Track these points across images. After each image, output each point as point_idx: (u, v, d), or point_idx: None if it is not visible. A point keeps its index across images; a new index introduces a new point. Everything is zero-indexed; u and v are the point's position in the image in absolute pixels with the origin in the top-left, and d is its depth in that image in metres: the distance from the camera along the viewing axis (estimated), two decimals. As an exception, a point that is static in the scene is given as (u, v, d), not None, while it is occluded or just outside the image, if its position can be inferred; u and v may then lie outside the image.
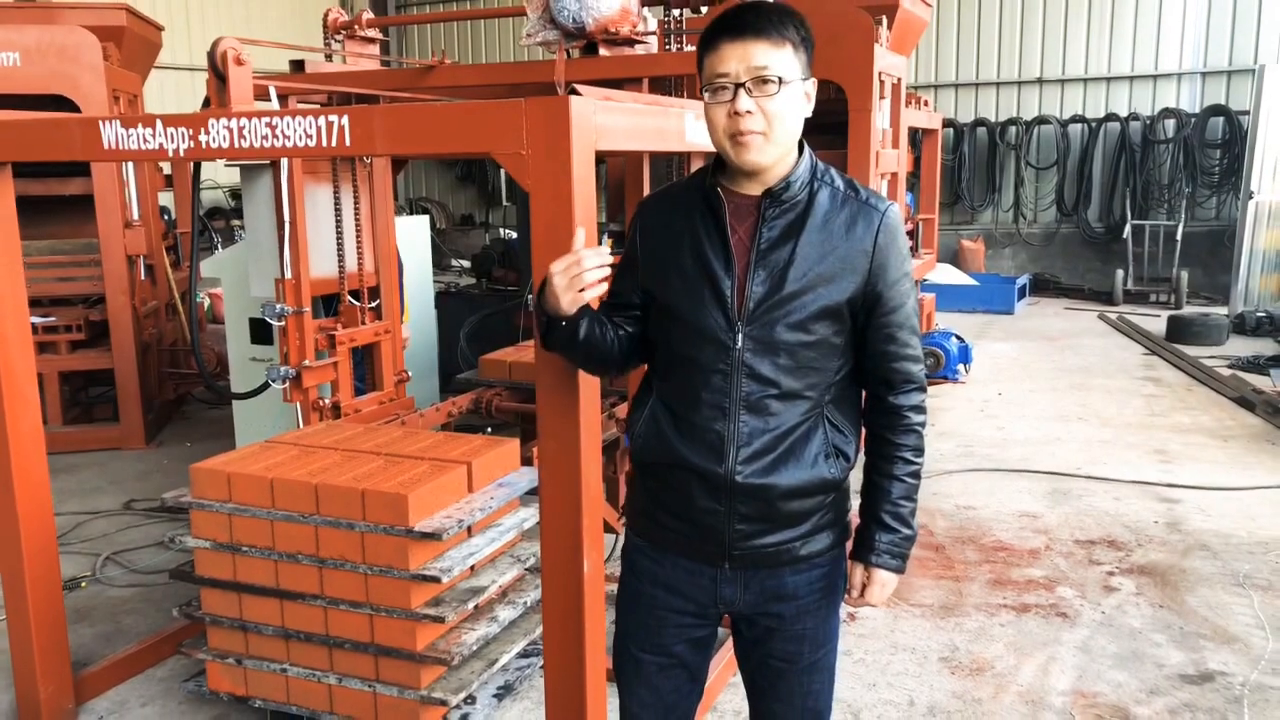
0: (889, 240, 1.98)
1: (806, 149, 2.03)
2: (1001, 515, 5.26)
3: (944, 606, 4.18)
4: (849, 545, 2.16)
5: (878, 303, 1.99)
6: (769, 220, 1.97)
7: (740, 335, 1.96)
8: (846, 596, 2.15)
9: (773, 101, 1.89)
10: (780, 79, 1.88)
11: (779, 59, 1.88)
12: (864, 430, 2.13)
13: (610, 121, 2.46)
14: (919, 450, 2.08)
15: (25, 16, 7.46)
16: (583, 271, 1.94)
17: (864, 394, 2.12)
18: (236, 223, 13.25)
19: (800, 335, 1.96)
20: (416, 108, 2.53)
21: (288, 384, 3.87)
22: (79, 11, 7.57)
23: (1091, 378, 8.51)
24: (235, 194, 13.81)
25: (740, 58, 1.88)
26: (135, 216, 6.83)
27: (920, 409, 2.07)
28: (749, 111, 1.88)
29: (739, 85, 1.88)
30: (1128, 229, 12.97)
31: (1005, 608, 4.17)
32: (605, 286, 2.02)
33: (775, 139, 1.92)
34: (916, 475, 2.09)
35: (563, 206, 2.31)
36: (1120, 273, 12.67)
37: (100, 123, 2.78)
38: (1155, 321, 10.90)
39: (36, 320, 6.29)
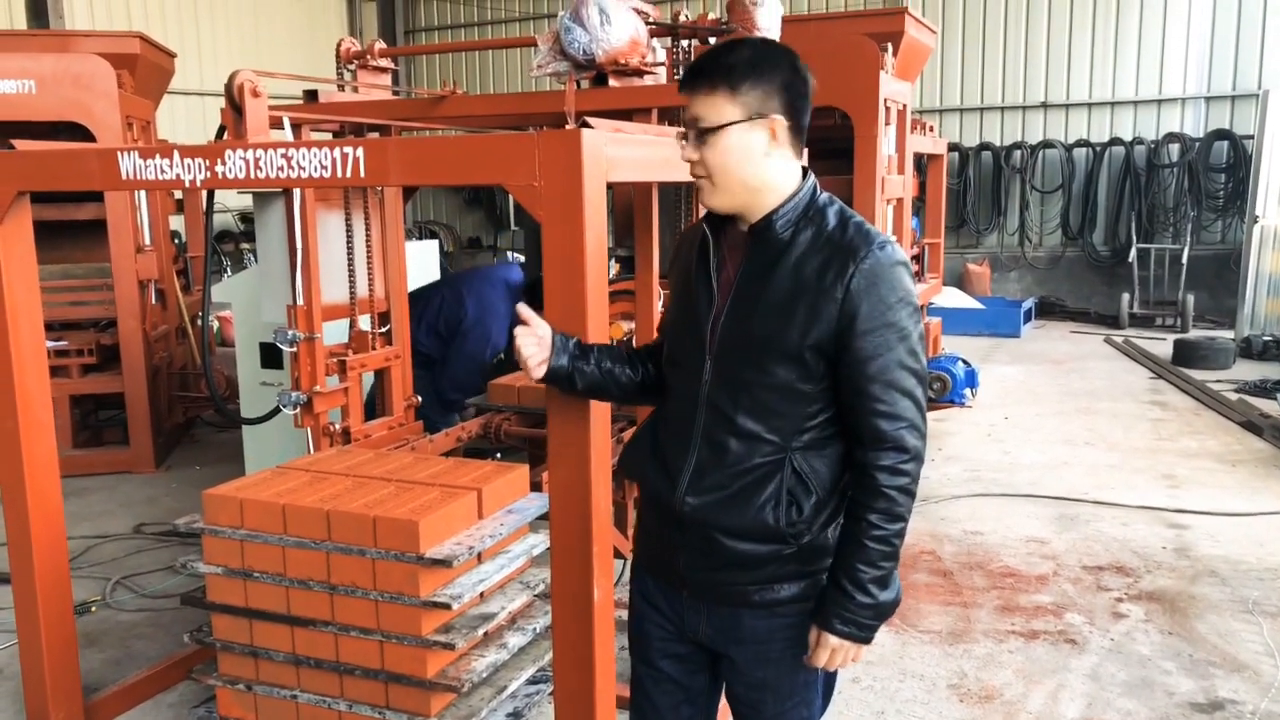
0: (865, 287, 1.87)
1: (808, 186, 2.00)
2: (1009, 540, 5.25)
3: (952, 633, 4.18)
4: None
5: (844, 353, 1.90)
6: (751, 257, 2.01)
7: (708, 369, 2.01)
8: (806, 657, 2.04)
9: (709, 150, 1.95)
10: (708, 127, 1.94)
11: (709, 107, 1.94)
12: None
13: (621, 153, 2.50)
14: (889, 516, 1.91)
15: (41, 45, 7.58)
16: (518, 352, 2.14)
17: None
18: (246, 246, 13.37)
19: (760, 375, 1.96)
20: (430, 140, 2.56)
21: (299, 409, 3.90)
22: (94, 39, 7.68)
23: (1098, 401, 8.51)
24: (245, 218, 13.92)
25: (688, 108, 1.99)
26: (147, 241, 6.89)
27: (895, 471, 1.90)
28: (690, 159, 1.98)
29: (683, 135, 2.00)
30: (1133, 252, 13.00)
31: (1014, 634, 4.17)
32: (545, 366, 2.14)
33: (721, 184, 1.97)
34: (885, 541, 1.92)
35: (575, 238, 2.34)
36: (1126, 296, 12.68)
37: (119, 153, 2.82)
38: (1161, 345, 10.91)
39: (49, 344, 6.33)
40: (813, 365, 1.93)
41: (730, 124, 1.92)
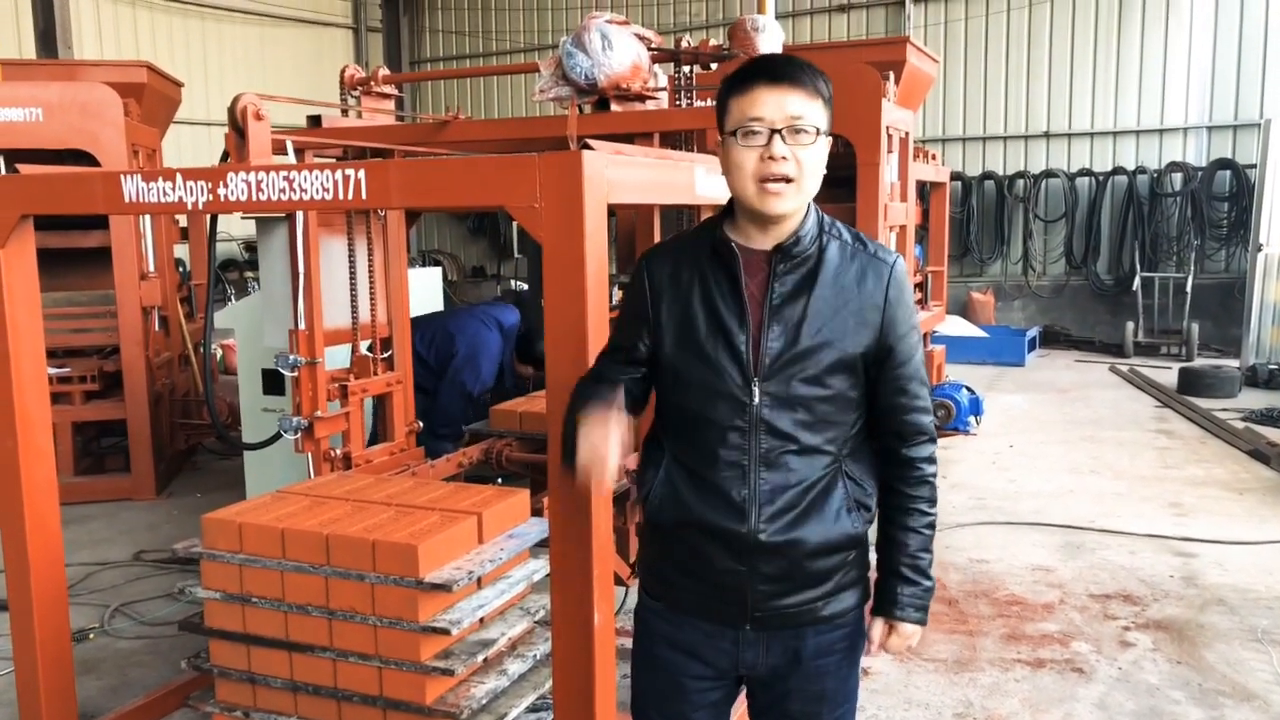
0: (899, 293, 2.00)
1: (813, 205, 2.03)
2: (1015, 569, 5.21)
3: (958, 661, 4.13)
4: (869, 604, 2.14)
5: (889, 355, 2.00)
6: (780, 275, 1.97)
7: (757, 391, 1.94)
8: (866, 650, 2.12)
9: (806, 151, 1.90)
10: (817, 129, 1.91)
11: (814, 110, 1.91)
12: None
13: (622, 175, 2.49)
14: (932, 501, 2.08)
15: (50, 73, 7.64)
16: (595, 455, 1.88)
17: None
18: (250, 275, 13.41)
19: (817, 389, 1.95)
20: (431, 162, 2.57)
21: (299, 434, 3.88)
22: (102, 69, 7.76)
23: (1103, 430, 8.47)
24: (249, 246, 13.98)
25: (777, 105, 1.89)
26: (151, 268, 6.91)
27: (932, 460, 2.07)
28: (784, 157, 1.88)
29: (775, 131, 1.88)
30: (1137, 281, 13.00)
31: (1020, 663, 4.12)
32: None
33: (803, 188, 1.93)
34: (932, 526, 2.09)
35: (576, 259, 2.34)
36: (1130, 325, 12.67)
37: (122, 177, 2.83)
38: (1166, 374, 10.88)
39: (51, 371, 6.32)
40: (860, 372, 2.00)
41: (826, 132, 1.94)
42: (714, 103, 2.10)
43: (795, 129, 1.89)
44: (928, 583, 2.08)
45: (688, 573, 2.06)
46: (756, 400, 1.94)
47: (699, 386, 1.99)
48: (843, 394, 1.98)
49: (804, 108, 1.89)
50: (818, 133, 1.90)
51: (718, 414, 1.97)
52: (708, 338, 1.98)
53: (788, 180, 1.90)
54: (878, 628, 2.10)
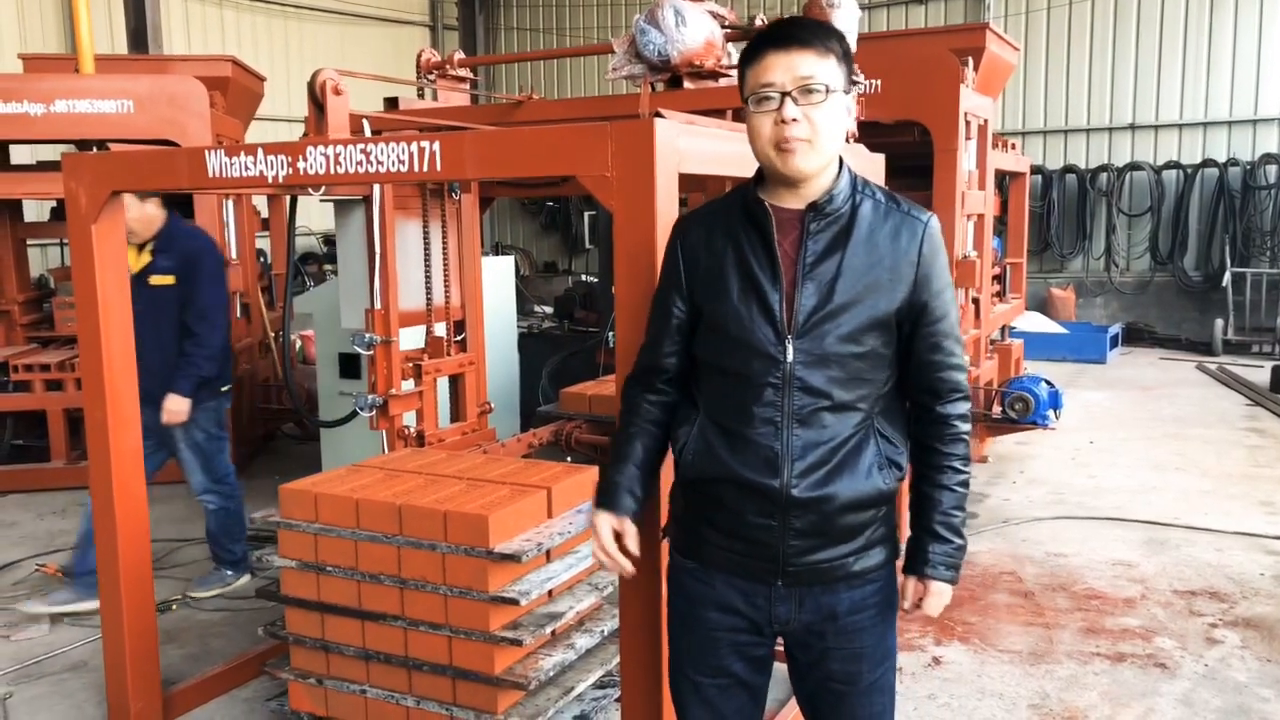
0: (933, 250, 2.01)
1: (845, 162, 2.05)
2: (1094, 563, 5.07)
3: (1033, 653, 4.03)
4: (899, 560, 2.13)
5: (924, 312, 2.00)
6: (813, 233, 1.98)
7: (790, 348, 1.96)
8: (901, 610, 2.12)
9: (818, 110, 1.92)
10: (826, 87, 1.91)
11: (824, 68, 1.92)
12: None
13: (693, 145, 2.48)
14: (967, 459, 2.08)
15: (140, 67, 7.90)
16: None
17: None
18: (329, 268, 13.68)
19: (851, 347, 1.96)
20: (505, 132, 2.59)
21: (374, 412, 3.95)
22: (188, 63, 7.98)
23: (1189, 428, 8.20)
24: (328, 240, 14.28)
25: (786, 68, 1.92)
26: (233, 256, 7.09)
27: (966, 418, 2.08)
28: (795, 119, 1.91)
29: (785, 94, 1.91)
30: (1227, 277, 12.55)
31: (1099, 656, 4.01)
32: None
33: (820, 147, 1.94)
34: (966, 484, 2.08)
35: (647, 227, 2.34)
36: (1220, 322, 12.24)
37: (206, 152, 2.91)
38: (1258, 372, 10.48)
39: (139, 354, 6.54)
40: (893, 329, 2.00)
41: (841, 89, 1.95)
42: None
43: (806, 89, 1.91)
44: (959, 541, 2.07)
45: (720, 529, 2.08)
46: (790, 358, 1.96)
47: (734, 344, 2.01)
48: (876, 351, 1.99)
49: (813, 67, 1.91)
50: (828, 90, 1.91)
51: (752, 371, 1.99)
52: (742, 296, 2.00)
53: (803, 141, 1.92)
54: (910, 586, 2.10)
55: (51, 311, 7.42)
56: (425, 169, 2.60)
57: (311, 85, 3.20)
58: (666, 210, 2.35)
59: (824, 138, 1.93)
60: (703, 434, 2.06)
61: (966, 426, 2.07)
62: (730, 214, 2.06)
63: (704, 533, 2.11)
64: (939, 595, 2.08)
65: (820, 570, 2.02)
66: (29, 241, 7.79)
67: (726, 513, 2.05)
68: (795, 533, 1.99)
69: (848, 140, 2.33)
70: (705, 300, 2.06)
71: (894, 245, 1.98)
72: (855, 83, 2.03)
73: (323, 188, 3.58)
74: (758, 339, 1.97)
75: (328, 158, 2.73)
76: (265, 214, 8.68)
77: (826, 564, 2.02)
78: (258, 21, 15.21)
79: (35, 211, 8.88)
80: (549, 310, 14.75)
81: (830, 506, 1.97)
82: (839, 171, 2.02)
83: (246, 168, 2.85)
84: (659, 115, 2.47)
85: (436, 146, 2.57)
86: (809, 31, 1.94)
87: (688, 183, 2.41)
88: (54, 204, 7.91)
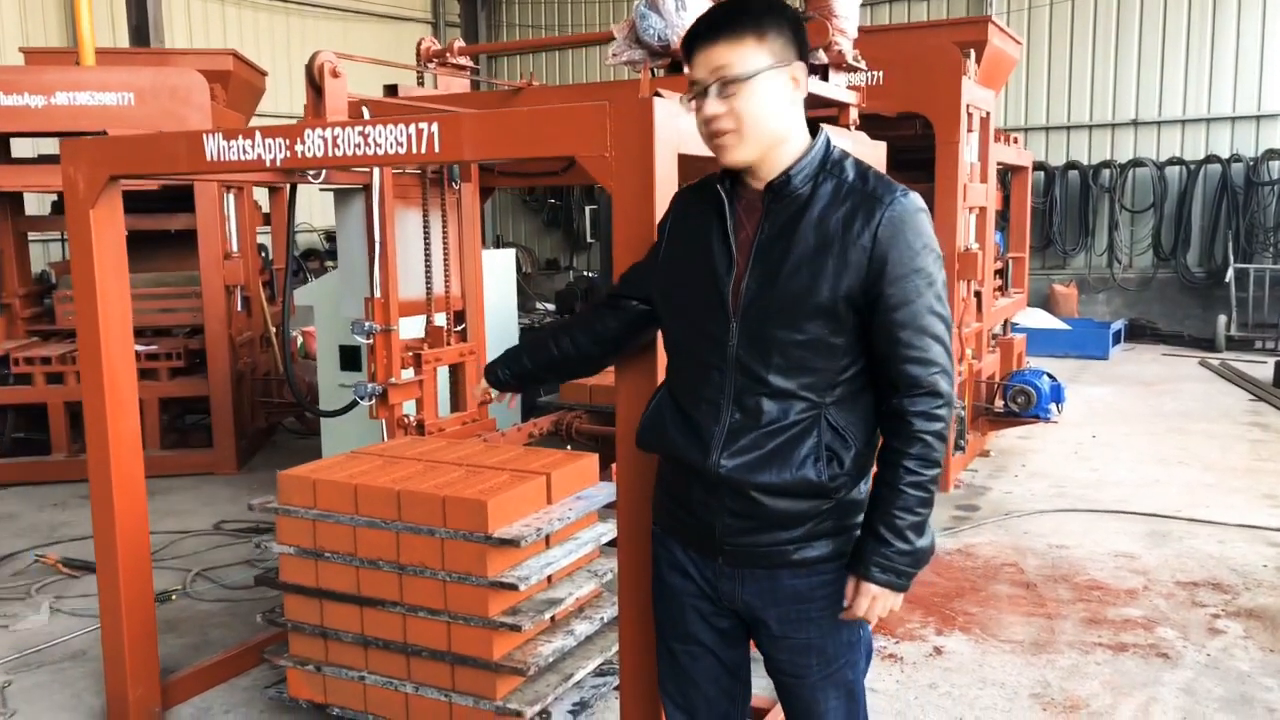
0: (893, 233, 1.87)
1: (822, 139, 1.99)
2: (1096, 555, 5.05)
3: (1035, 643, 4.02)
4: None
5: (878, 301, 1.89)
6: (770, 215, 1.96)
7: (734, 331, 1.95)
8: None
9: (740, 99, 1.89)
10: (739, 77, 1.88)
11: (738, 56, 1.89)
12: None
13: (692, 124, 2.46)
14: (925, 461, 1.92)
15: (141, 60, 7.88)
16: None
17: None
18: (330, 264, 13.68)
19: (791, 334, 1.92)
20: (504, 113, 2.58)
21: (374, 400, 3.94)
22: (190, 56, 7.97)
23: (1192, 422, 8.17)
24: (329, 236, 14.27)
25: (703, 62, 1.92)
26: (234, 249, 7.08)
27: (930, 416, 1.91)
28: (715, 114, 1.91)
29: (705, 89, 1.91)
30: (1230, 273, 12.51)
31: (1101, 646, 3.99)
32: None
33: (749, 136, 1.91)
34: (922, 488, 1.93)
35: (645, 206, 2.33)
36: (1223, 318, 12.21)
37: (204, 135, 2.90)
38: (1262, 368, 10.45)
39: (140, 349, 6.53)
40: (844, 317, 1.92)
41: (762, 71, 1.88)
42: None
43: (723, 80, 1.89)
44: (903, 545, 1.92)
45: (676, 500, 2.13)
46: (734, 340, 1.96)
47: (688, 325, 2.05)
48: (821, 339, 1.92)
49: (725, 56, 1.89)
50: (743, 79, 1.88)
51: (702, 352, 2.00)
52: (699, 276, 2.01)
53: (730, 132, 1.91)
54: (849, 584, 2.00)
55: (53, 306, 7.42)
56: (424, 150, 2.59)
57: (310, 68, 3.18)
58: (665, 191, 2.33)
59: (751, 125, 1.90)
60: (659, 408, 2.12)
61: (930, 425, 1.91)
62: (707, 194, 2.07)
63: (666, 503, 2.18)
64: (871, 598, 1.96)
65: (759, 554, 2.01)
66: (30, 235, 7.79)
67: (678, 486, 2.11)
68: (730, 513, 2.00)
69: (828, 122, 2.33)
70: (673, 278, 2.10)
71: (846, 230, 1.88)
72: (802, 48, 1.94)
73: (322, 175, 3.59)
74: (708, 320, 1.99)
75: (326, 140, 2.72)
76: (266, 209, 8.67)
77: (764, 548, 2.01)
78: (259, 18, 15.22)
79: (36, 205, 8.88)
80: (550, 307, 14.77)
81: (754, 491, 1.95)
82: (809, 149, 1.97)
83: (244, 151, 2.83)
84: (659, 95, 2.46)
85: (435, 128, 2.56)
86: (720, 19, 1.91)
87: (688, 165, 2.39)
88: (55, 197, 7.91)
